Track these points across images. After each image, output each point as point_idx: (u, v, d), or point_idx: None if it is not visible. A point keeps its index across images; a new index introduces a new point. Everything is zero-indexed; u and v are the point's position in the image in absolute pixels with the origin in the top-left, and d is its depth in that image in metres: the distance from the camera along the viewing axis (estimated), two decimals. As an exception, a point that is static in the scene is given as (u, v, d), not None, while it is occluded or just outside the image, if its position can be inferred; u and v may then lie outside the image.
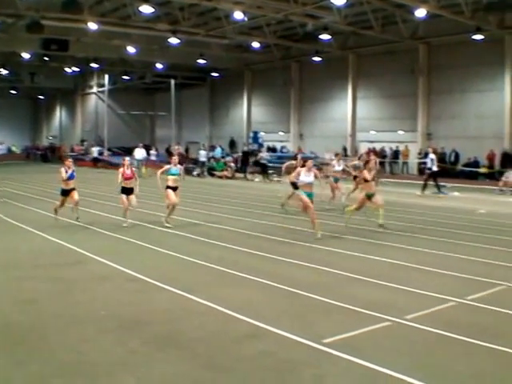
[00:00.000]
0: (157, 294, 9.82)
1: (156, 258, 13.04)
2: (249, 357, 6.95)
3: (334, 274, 11.49)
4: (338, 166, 23.11)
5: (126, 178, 17.47)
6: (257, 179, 39.30)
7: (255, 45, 46.23)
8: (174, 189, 17.47)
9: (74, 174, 18.02)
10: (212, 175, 42.87)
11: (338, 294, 9.76)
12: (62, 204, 18.03)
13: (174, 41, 41.26)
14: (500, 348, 7.35)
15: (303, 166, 16.89)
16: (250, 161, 44.30)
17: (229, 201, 25.01)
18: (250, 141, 51.32)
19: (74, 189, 17.84)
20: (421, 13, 34.35)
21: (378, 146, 46.42)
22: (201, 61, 50.62)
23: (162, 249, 13.74)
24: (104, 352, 7.19)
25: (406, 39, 42.60)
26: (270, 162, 41.81)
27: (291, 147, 53.10)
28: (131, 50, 46.53)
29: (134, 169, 18.30)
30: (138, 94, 71.20)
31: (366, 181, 17.46)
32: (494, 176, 37.03)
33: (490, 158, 39.42)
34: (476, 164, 39.73)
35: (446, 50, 42.19)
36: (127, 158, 18.42)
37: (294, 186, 18.73)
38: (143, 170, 38.94)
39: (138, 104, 70.44)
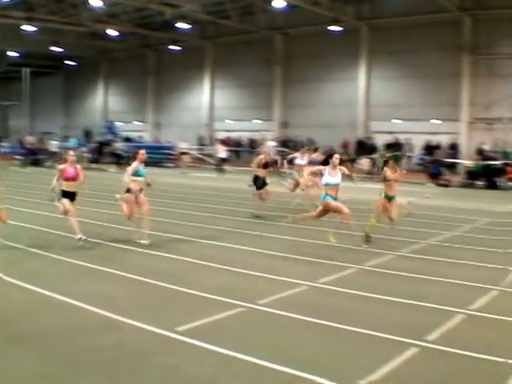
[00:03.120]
0: (9, 290, 9.37)
1: None
2: (101, 349, 6.73)
3: (187, 262, 11.40)
4: (302, 160, 20.70)
5: (68, 179, 12.87)
6: (112, 169, 38.57)
7: (112, 33, 45.49)
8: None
9: None
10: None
11: (191, 282, 9.64)
12: None
13: (28, 28, 39.88)
14: (352, 329, 7.55)
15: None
16: (105, 151, 43.54)
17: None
18: (105, 131, 50.45)
19: None
20: (279, 3, 34.84)
21: (234, 135, 46.81)
22: (56, 49, 49.24)
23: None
24: None
25: (264, 29, 43.14)
26: (126, 152, 41.13)
27: (148, 137, 52.67)
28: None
29: (78, 166, 13.25)
30: (-10, 83, 68.25)
31: (385, 180, 14.20)
32: (346, 163, 38.04)
33: (345, 145, 40.63)
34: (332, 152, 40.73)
35: (303, 40, 43.14)
36: (71, 152, 13.48)
37: (257, 183, 18.21)
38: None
39: (-9, 93, 67.50)
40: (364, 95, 41.76)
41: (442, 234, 15.06)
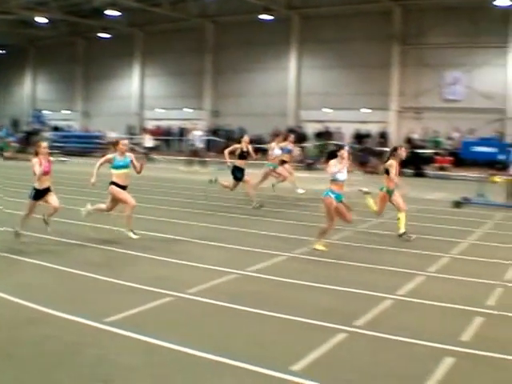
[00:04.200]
0: None
1: None
2: (29, 342, 6.57)
3: (115, 252, 11.27)
4: (278, 150, 19.78)
5: (45, 173, 11.56)
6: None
7: (41, 20, 44.52)
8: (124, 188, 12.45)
9: None
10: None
11: (121, 273, 9.55)
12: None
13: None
14: (282, 316, 7.57)
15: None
16: (33, 141, 42.54)
17: (3, 181, 23.56)
18: (33, 120, 49.42)
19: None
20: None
21: (164, 124, 46.48)
22: (-18, 37, 48.01)
23: None
24: None
25: (195, 17, 42.90)
26: (54, 141, 40.31)
27: (77, 126, 51.86)
28: None
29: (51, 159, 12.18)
30: None
31: (388, 173, 13.31)
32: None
33: (276, 134, 40.59)
34: (261, 140, 40.93)
35: (235, 29, 43.04)
36: (44, 143, 12.08)
37: (237, 174, 17.46)
38: None
39: None
40: (295, 84, 41.99)
41: (369, 221, 15.19)
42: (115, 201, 12.47)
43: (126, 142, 12.65)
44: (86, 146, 42.78)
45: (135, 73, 49.60)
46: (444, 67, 36.87)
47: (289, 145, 20.26)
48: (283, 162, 19.71)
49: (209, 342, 6.61)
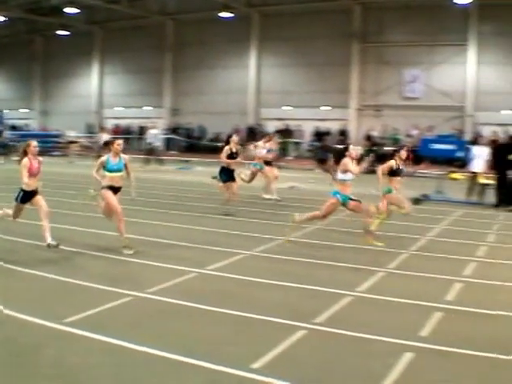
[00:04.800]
0: None
1: None
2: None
3: (68, 252, 10.96)
4: (264, 150, 19.15)
5: (33, 174, 10.79)
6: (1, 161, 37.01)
7: (-1, 19, 43.98)
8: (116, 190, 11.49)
9: None
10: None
11: (77, 272, 9.43)
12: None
13: None
14: (241, 314, 7.55)
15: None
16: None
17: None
18: (-5, 120, 48.62)
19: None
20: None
21: (124, 123, 46.18)
22: None
23: None
24: None
25: (155, 15, 42.70)
26: (12, 141, 39.56)
27: (35, 125, 51.22)
28: None
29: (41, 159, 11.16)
30: None
31: (394, 175, 13.14)
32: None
33: (236, 132, 40.64)
34: (221, 139, 41.00)
35: (195, 26, 42.93)
36: (34, 142, 11.03)
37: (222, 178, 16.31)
38: None
39: None
40: (255, 82, 42.06)
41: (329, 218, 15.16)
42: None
43: (120, 142, 11.85)
44: (44, 145, 42.13)
45: (94, 71, 49.22)
46: (403, 65, 37.28)
47: (273, 145, 19.94)
48: (267, 163, 19.18)
49: (169, 341, 6.56)
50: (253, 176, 19.17)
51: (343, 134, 37.83)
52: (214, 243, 11.94)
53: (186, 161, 32.93)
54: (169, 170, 29.47)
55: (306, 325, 7.15)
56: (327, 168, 29.86)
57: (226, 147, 16.27)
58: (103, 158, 11.50)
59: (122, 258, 10.59)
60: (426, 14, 35.81)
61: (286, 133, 38.12)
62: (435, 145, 23.12)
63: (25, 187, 10.72)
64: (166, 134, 41.39)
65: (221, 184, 16.43)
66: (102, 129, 41.87)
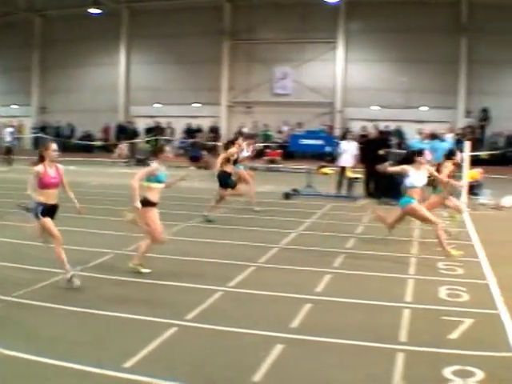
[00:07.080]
0: None
1: None
2: None
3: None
4: (247, 152, 17.96)
5: (48, 185, 8.63)
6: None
7: None
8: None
9: None
10: None
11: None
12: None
13: None
14: (114, 314, 7.47)
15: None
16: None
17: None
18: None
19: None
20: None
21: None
22: None
23: None
24: None
25: (22, 11, 41.45)
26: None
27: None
28: None
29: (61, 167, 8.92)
30: None
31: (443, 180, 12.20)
32: (109, 149, 37.88)
33: (105, 130, 40.40)
34: (91, 137, 40.46)
35: (64, 23, 41.77)
36: (53, 145, 8.82)
37: (229, 181, 15.14)
38: None
39: None
40: (124, 79, 41.59)
41: (196, 216, 15.14)
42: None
43: (169, 148, 10.37)
44: None
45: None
46: (274, 62, 37.85)
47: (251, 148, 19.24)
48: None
49: (35, 344, 6.39)
50: (240, 178, 18.24)
51: (214, 130, 38.00)
52: (83, 243, 11.60)
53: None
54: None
55: (177, 321, 7.14)
56: (202, 165, 29.99)
57: (231, 150, 15.28)
58: (154, 166, 9.53)
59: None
60: (297, 12, 36.42)
61: (157, 130, 37.92)
62: (305, 140, 23.54)
63: (42, 200, 8.54)
64: (34, 133, 40.24)
65: (229, 191, 15.41)
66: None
